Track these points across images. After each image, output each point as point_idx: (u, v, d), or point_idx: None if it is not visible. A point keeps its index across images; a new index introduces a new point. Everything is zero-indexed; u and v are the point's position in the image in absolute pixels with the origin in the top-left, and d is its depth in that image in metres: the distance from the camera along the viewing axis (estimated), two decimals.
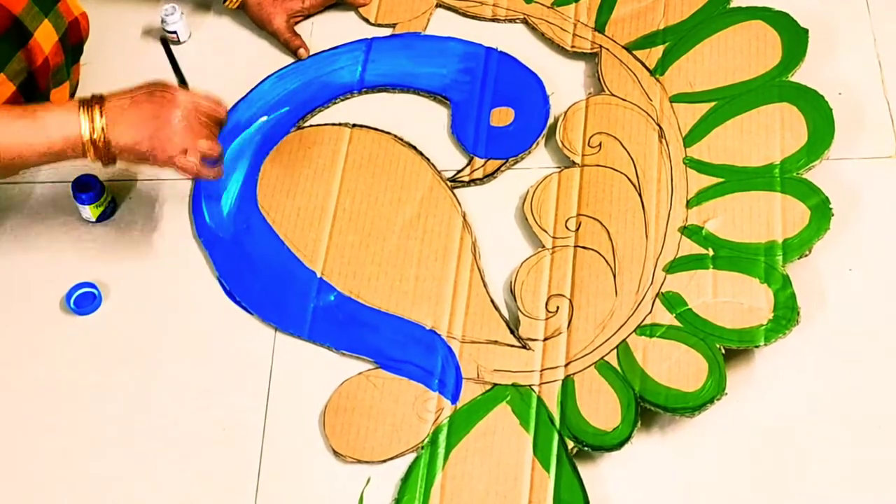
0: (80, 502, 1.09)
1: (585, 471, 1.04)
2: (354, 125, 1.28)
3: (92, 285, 1.20)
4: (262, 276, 1.19)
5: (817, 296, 1.11)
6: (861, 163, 1.19)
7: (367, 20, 1.37)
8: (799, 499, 1.02)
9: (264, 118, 1.30)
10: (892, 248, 1.14)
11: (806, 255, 1.10)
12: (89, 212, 1.23)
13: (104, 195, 1.23)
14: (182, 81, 1.24)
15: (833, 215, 1.11)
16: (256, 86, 1.33)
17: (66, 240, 1.25)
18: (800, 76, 1.22)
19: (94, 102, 1.07)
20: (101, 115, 1.06)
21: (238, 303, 1.18)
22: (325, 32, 1.37)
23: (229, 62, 1.37)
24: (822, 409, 1.06)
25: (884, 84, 1.24)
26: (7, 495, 1.10)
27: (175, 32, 1.36)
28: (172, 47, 1.33)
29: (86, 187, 1.22)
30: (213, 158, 1.11)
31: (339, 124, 1.29)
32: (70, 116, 1.06)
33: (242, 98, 1.32)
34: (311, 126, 1.30)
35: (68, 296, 1.19)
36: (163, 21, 1.36)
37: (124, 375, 1.15)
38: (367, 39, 1.35)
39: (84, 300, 1.19)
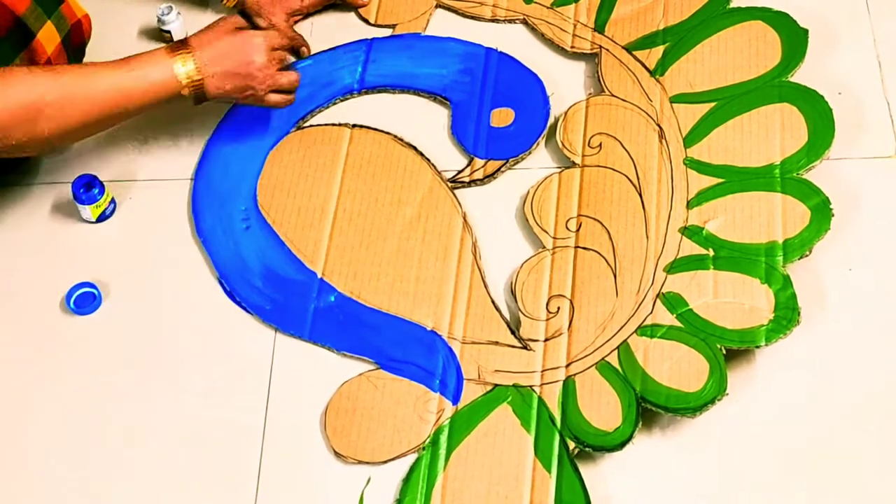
0: (80, 502, 1.09)
1: (586, 471, 1.04)
2: (354, 125, 1.28)
3: (92, 285, 1.20)
4: (263, 277, 1.19)
5: (817, 296, 1.11)
6: (861, 163, 1.19)
7: (366, 20, 1.37)
8: (799, 498, 1.02)
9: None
10: (892, 248, 1.14)
11: (806, 256, 1.10)
12: (89, 212, 1.23)
13: (104, 195, 1.23)
14: None
15: (833, 215, 1.11)
16: None
17: (66, 240, 1.25)
18: (800, 76, 1.22)
19: (183, 48, 1.15)
20: (193, 63, 1.14)
21: (238, 303, 1.18)
22: (325, 32, 1.37)
23: None
24: (823, 409, 1.06)
25: (884, 84, 1.23)
26: (7, 495, 1.10)
27: (169, 32, 1.36)
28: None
29: (86, 187, 1.22)
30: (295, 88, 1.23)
31: (339, 124, 1.29)
32: (164, 66, 1.13)
33: None
34: (311, 126, 1.30)
35: (68, 296, 1.19)
36: (159, 21, 1.35)
37: (124, 375, 1.15)
38: (367, 40, 1.35)
39: (84, 300, 1.19)
